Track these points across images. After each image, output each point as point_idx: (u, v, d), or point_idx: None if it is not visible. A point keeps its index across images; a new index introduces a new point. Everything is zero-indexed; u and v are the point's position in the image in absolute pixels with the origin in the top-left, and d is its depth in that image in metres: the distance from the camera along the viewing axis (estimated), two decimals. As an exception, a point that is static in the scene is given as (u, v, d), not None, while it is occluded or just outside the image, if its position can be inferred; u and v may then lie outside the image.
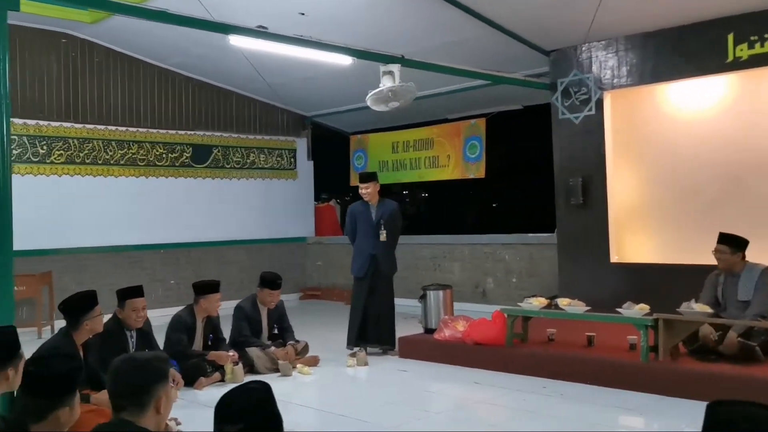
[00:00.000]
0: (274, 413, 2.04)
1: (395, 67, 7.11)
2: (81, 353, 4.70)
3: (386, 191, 14.51)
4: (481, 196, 13.33)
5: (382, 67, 7.20)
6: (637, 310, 5.75)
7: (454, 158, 11.34)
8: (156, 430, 2.50)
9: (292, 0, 8.26)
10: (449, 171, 11.49)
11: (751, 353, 5.39)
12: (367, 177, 7.61)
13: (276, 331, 7.00)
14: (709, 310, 5.53)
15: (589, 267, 8.63)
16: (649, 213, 8.67)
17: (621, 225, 8.68)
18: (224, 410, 1.97)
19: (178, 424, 4.81)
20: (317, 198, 13.57)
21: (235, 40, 6.81)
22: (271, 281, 6.90)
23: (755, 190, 7.75)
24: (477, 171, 11.08)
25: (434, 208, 14.56)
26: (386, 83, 7.12)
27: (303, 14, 8.55)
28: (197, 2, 7.42)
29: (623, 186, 8.70)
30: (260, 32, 6.77)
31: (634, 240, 8.73)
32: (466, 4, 7.99)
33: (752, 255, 5.97)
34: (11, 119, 9.22)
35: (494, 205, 13.56)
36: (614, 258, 8.57)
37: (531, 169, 11.17)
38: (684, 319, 5.47)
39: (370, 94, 7.18)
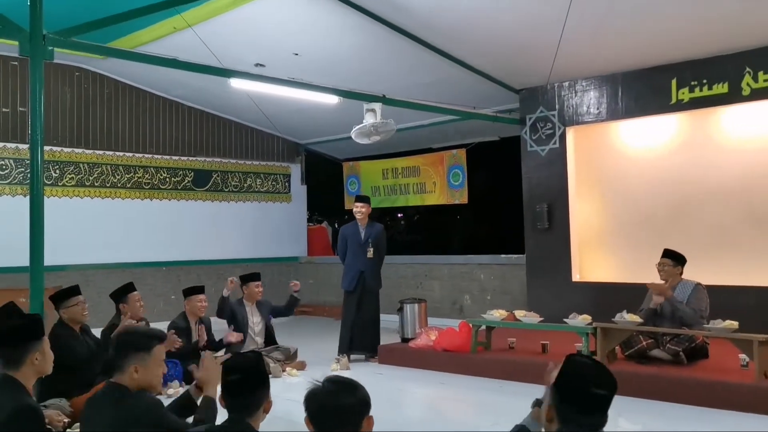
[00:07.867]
0: (263, 372, 2.90)
1: (377, 106, 8.04)
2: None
3: (379, 214, 15.51)
4: (464, 219, 14.26)
5: (366, 105, 8.13)
6: (581, 320, 6.62)
7: (440, 185, 12.27)
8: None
9: (287, 41, 9.20)
10: (435, 197, 12.43)
11: (676, 357, 6.26)
12: (363, 199, 8.57)
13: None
14: (638, 320, 6.41)
15: (554, 285, 9.49)
16: (607, 237, 9.58)
17: (582, 247, 9.58)
18: (227, 364, 2.85)
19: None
20: (310, 220, 14.47)
21: (236, 83, 7.69)
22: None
23: (696, 218, 8.68)
24: (461, 197, 12.04)
25: (423, 229, 15.50)
26: (369, 119, 8.05)
27: (297, 54, 9.50)
28: (201, 44, 8.44)
29: (584, 212, 9.62)
30: (258, 75, 7.67)
31: (594, 261, 9.63)
32: (442, 48, 8.91)
33: (692, 272, 6.81)
34: (24, 145, 10.44)
35: (475, 227, 14.51)
36: (576, 277, 9.46)
37: (507, 195, 12.11)
38: (617, 328, 6.35)
39: (354, 129, 8.10)
